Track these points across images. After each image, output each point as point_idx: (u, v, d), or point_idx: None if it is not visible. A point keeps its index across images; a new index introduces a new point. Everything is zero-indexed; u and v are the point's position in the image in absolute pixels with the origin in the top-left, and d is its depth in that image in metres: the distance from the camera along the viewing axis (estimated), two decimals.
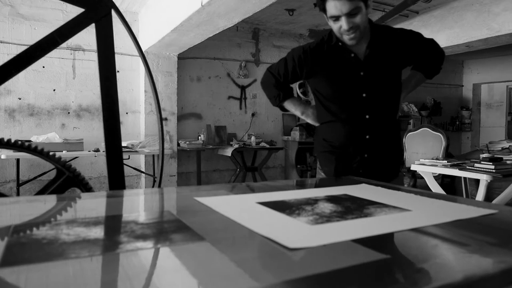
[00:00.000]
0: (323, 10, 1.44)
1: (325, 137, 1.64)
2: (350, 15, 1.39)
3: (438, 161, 3.41)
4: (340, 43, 1.53)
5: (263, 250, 0.58)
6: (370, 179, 1.38)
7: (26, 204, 0.94)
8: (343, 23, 1.41)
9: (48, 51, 1.32)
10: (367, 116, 1.53)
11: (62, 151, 3.84)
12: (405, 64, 1.62)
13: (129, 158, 4.54)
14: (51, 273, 0.48)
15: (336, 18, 1.41)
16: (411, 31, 1.61)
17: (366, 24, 1.47)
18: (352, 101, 1.55)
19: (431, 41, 1.64)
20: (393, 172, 1.64)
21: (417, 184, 3.94)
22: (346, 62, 1.53)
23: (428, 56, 1.64)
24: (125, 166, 1.68)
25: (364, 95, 1.53)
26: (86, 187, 1.37)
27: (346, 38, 1.46)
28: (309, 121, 1.71)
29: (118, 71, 4.34)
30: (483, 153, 3.42)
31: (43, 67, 4.31)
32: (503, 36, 4.12)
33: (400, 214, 0.77)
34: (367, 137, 1.54)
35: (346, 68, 1.54)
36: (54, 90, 4.40)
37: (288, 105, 1.72)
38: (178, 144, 5.01)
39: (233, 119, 5.60)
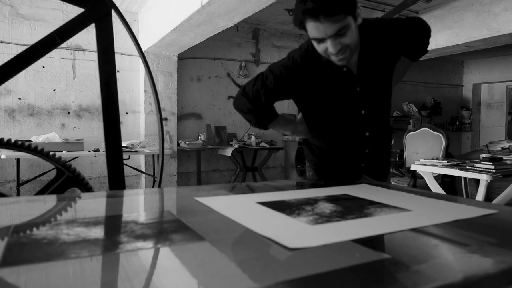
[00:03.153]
0: (303, 29, 1.19)
1: (320, 151, 1.53)
2: (337, 35, 1.15)
3: (438, 161, 3.41)
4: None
5: (263, 250, 0.58)
6: (370, 179, 1.37)
7: (26, 204, 0.94)
8: (329, 46, 1.18)
9: (48, 51, 1.32)
10: (367, 134, 1.43)
11: (62, 151, 3.84)
12: (398, 59, 1.45)
13: (129, 158, 4.54)
14: (51, 273, 0.48)
15: (320, 40, 1.18)
16: (398, 20, 1.42)
17: (356, 39, 1.24)
18: (351, 119, 1.42)
19: (416, 20, 1.44)
20: (386, 173, 1.59)
21: (417, 184, 3.94)
22: (338, 78, 1.34)
23: (413, 38, 1.43)
24: (125, 166, 1.68)
25: (362, 112, 1.40)
26: (86, 187, 1.37)
27: (334, 59, 1.24)
28: (302, 136, 1.59)
29: (118, 71, 4.34)
30: (483, 153, 3.42)
31: (43, 67, 4.31)
32: (503, 36, 4.12)
33: (400, 214, 0.77)
34: (367, 151, 1.47)
35: (340, 84, 1.36)
36: (54, 90, 4.40)
37: (274, 127, 1.53)
38: (178, 144, 5.01)
39: (233, 119, 5.60)
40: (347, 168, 1.51)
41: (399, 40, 1.39)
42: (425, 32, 1.46)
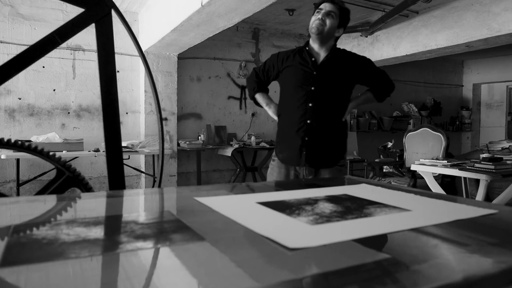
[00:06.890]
0: (319, 4, 1.96)
1: (279, 126, 2.08)
2: (327, 14, 1.91)
3: (438, 161, 3.41)
4: (307, 48, 1.98)
5: (263, 250, 0.58)
6: (313, 162, 1.94)
7: (26, 204, 0.94)
8: (320, 14, 1.92)
9: (48, 51, 1.31)
10: (310, 104, 1.92)
11: (62, 151, 3.84)
12: (354, 81, 2.01)
13: (129, 158, 4.54)
14: (51, 273, 0.48)
15: (319, 10, 1.93)
16: (364, 57, 2.05)
17: (331, 32, 1.94)
18: (302, 93, 1.94)
19: (384, 73, 2.07)
20: (333, 159, 1.99)
21: (417, 184, 3.94)
22: (305, 64, 1.97)
23: (381, 83, 2.06)
24: (125, 166, 1.68)
25: (312, 88, 1.93)
26: (86, 187, 1.37)
27: (314, 25, 1.92)
28: (270, 113, 2.13)
29: (118, 71, 4.35)
30: (483, 153, 3.41)
31: (43, 67, 4.31)
32: (503, 36, 4.11)
33: (400, 214, 0.77)
34: (308, 121, 1.92)
35: (304, 68, 1.96)
36: (54, 90, 4.40)
37: (259, 96, 2.18)
38: (178, 144, 5.01)
39: (233, 119, 5.60)
40: (295, 138, 1.95)
41: (358, 68, 2.00)
42: (390, 85, 2.09)
